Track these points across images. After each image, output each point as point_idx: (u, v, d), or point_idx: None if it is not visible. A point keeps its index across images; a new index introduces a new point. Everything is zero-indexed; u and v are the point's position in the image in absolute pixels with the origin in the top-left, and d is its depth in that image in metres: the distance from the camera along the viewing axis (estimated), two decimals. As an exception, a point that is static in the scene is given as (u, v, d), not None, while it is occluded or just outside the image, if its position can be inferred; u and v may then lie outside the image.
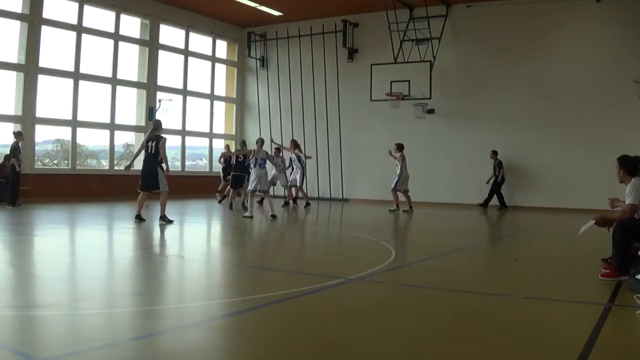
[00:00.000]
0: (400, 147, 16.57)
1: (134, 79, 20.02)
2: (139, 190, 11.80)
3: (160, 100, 20.74)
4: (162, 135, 11.85)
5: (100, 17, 18.55)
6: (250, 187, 13.81)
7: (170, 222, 11.61)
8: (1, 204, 14.95)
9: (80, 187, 17.75)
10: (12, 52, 16.63)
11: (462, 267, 7.85)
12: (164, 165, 11.65)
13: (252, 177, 13.88)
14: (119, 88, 19.27)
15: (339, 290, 6.06)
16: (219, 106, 23.66)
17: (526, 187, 18.53)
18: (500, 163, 18.10)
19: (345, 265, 8.07)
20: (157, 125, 12.01)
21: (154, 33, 20.23)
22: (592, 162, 16.86)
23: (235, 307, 5.31)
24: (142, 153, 11.93)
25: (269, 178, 15.26)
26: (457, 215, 16.34)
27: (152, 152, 11.56)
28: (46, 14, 16.98)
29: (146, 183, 11.71)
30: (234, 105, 23.95)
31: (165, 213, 11.70)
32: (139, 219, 11.65)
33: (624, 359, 4.05)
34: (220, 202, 17.76)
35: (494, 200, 18.26)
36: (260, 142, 14.12)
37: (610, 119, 17.15)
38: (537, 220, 15.50)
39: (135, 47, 20.03)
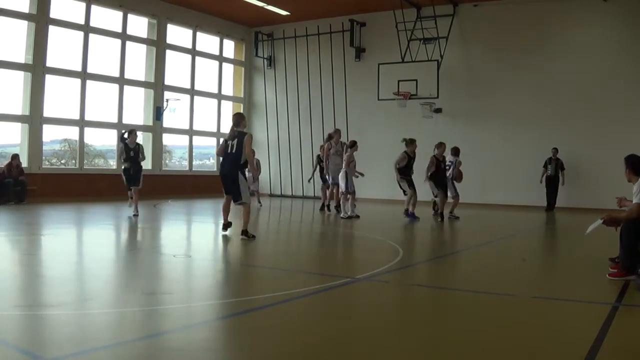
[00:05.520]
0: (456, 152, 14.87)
1: (142, 78, 20.08)
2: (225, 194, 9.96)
3: (167, 100, 20.81)
4: (245, 131, 9.74)
5: (107, 17, 18.64)
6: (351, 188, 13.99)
7: (253, 237, 9.48)
8: (8, 203, 15.00)
9: (88, 186, 17.82)
10: (20, 52, 16.71)
11: (468, 267, 7.83)
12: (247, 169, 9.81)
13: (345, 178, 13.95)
14: (126, 88, 19.34)
15: (346, 290, 6.05)
16: (227, 106, 23.69)
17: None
18: (561, 164, 17.60)
19: (353, 264, 8.09)
20: (237, 120, 9.75)
21: (161, 33, 20.28)
22: (604, 160, 16.67)
23: (241, 306, 5.30)
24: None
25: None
26: (463, 215, 16.27)
27: (233, 151, 9.45)
28: (53, 13, 17.06)
29: (226, 189, 9.74)
30: (241, 105, 23.98)
31: (248, 227, 9.58)
32: (225, 228, 10.01)
33: (631, 358, 4.03)
34: None
35: (540, 201, 17.87)
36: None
37: (618, 118, 17.07)
38: (547, 220, 15.46)
39: (143, 47, 20.09)
